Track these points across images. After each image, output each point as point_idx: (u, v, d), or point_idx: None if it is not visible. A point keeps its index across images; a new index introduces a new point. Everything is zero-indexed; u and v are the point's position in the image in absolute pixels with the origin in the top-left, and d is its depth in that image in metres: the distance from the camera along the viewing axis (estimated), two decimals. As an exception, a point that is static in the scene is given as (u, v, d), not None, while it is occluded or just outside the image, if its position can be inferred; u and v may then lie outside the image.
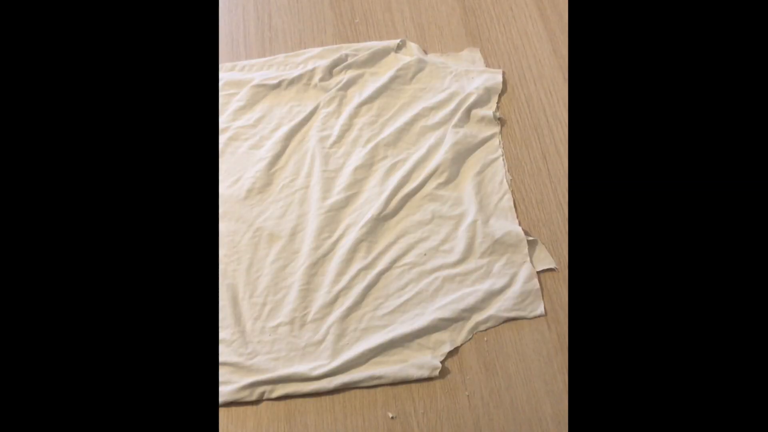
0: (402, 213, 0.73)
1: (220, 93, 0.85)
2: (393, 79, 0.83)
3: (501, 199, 0.72)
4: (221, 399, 0.63)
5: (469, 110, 0.79)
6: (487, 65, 0.84)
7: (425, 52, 0.86)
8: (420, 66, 0.83)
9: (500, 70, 0.82)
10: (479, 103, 0.80)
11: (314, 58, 0.87)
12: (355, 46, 0.87)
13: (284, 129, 0.80)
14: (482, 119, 0.79)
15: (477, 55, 0.85)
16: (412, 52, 0.86)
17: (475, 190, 0.72)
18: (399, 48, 0.86)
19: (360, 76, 0.84)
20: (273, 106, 0.83)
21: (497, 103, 0.80)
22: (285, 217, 0.73)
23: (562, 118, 0.78)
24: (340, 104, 0.82)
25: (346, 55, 0.86)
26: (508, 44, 0.86)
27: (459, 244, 0.69)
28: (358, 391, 0.63)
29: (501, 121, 0.79)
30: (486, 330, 0.65)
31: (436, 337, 0.65)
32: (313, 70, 0.85)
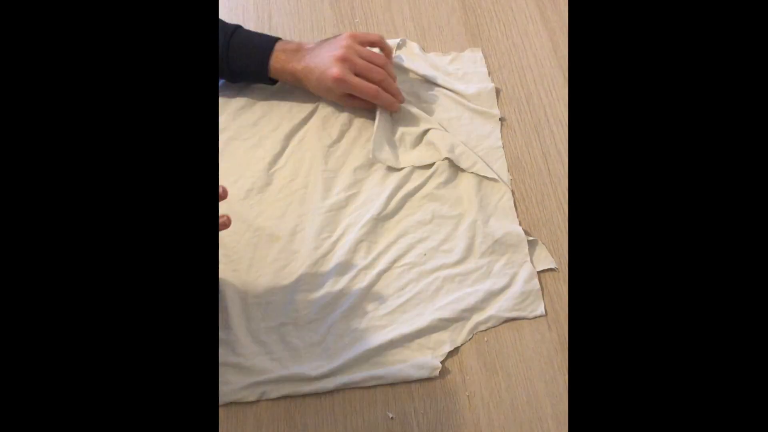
0: (402, 213, 0.73)
1: (220, 93, 0.85)
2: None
3: (501, 198, 0.72)
4: (221, 399, 0.63)
5: (469, 109, 0.79)
6: (488, 65, 0.84)
7: (425, 51, 0.86)
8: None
9: (485, 70, 0.83)
10: (480, 102, 0.80)
11: (314, 59, 0.87)
12: (355, 46, 0.87)
13: (284, 129, 0.80)
14: (483, 118, 0.79)
15: (478, 55, 0.85)
16: (412, 52, 0.86)
17: (474, 189, 0.72)
18: (399, 47, 0.86)
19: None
20: (272, 107, 0.83)
21: (497, 101, 0.80)
22: (285, 217, 0.73)
23: (562, 118, 0.78)
24: (340, 104, 0.82)
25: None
26: (508, 44, 0.86)
27: (459, 244, 0.69)
28: (358, 392, 0.63)
29: (501, 121, 0.79)
30: (486, 330, 0.65)
31: (436, 337, 0.65)
32: None
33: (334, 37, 0.77)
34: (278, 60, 0.76)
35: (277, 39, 0.77)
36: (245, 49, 0.76)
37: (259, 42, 0.76)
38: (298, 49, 0.76)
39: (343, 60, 0.74)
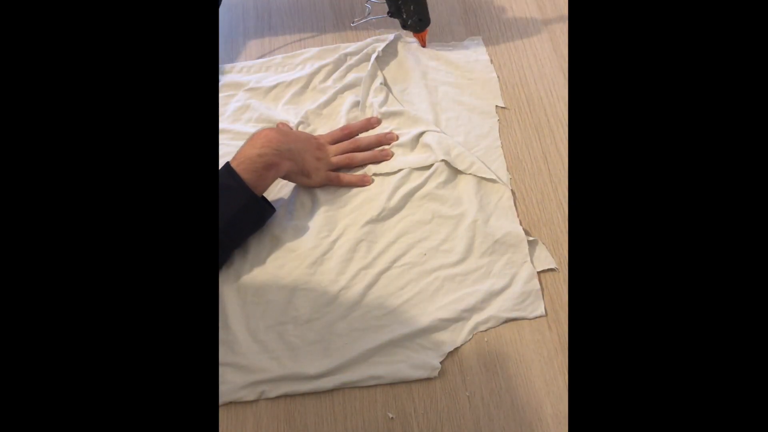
0: (402, 213, 0.72)
1: (219, 94, 0.85)
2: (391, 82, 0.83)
3: (501, 198, 0.72)
4: (220, 399, 0.63)
5: (468, 109, 0.79)
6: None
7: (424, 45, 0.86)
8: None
9: (488, 58, 0.83)
10: (483, 94, 0.80)
11: (312, 59, 0.87)
12: (353, 46, 0.87)
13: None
14: (481, 118, 0.79)
15: (480, 43, 0.85)
16: (410, 47, 0.86)
17: (474, 189, 0.72)
18: (396, 40, 0.86)
19: (359, 79, 0.83)
20: (270, 109, 0.83)
21: (497, 100, 0.80)
22: (284, 216, 0.73)
23: (562, 117, 0.78)
24: (337, 106, 0.82)
25: (345, 55, 0.86)
26: (508, 44, 0.86)
27: (459, 244, 0.69)
28: (357, 392, 0.63)
29: (501, 121, 0.79)
30: (486, 330, 0.65)
31: (436, 337, 0.65)
32: (311, 74, 0.85)
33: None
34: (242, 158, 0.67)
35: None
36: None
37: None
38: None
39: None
